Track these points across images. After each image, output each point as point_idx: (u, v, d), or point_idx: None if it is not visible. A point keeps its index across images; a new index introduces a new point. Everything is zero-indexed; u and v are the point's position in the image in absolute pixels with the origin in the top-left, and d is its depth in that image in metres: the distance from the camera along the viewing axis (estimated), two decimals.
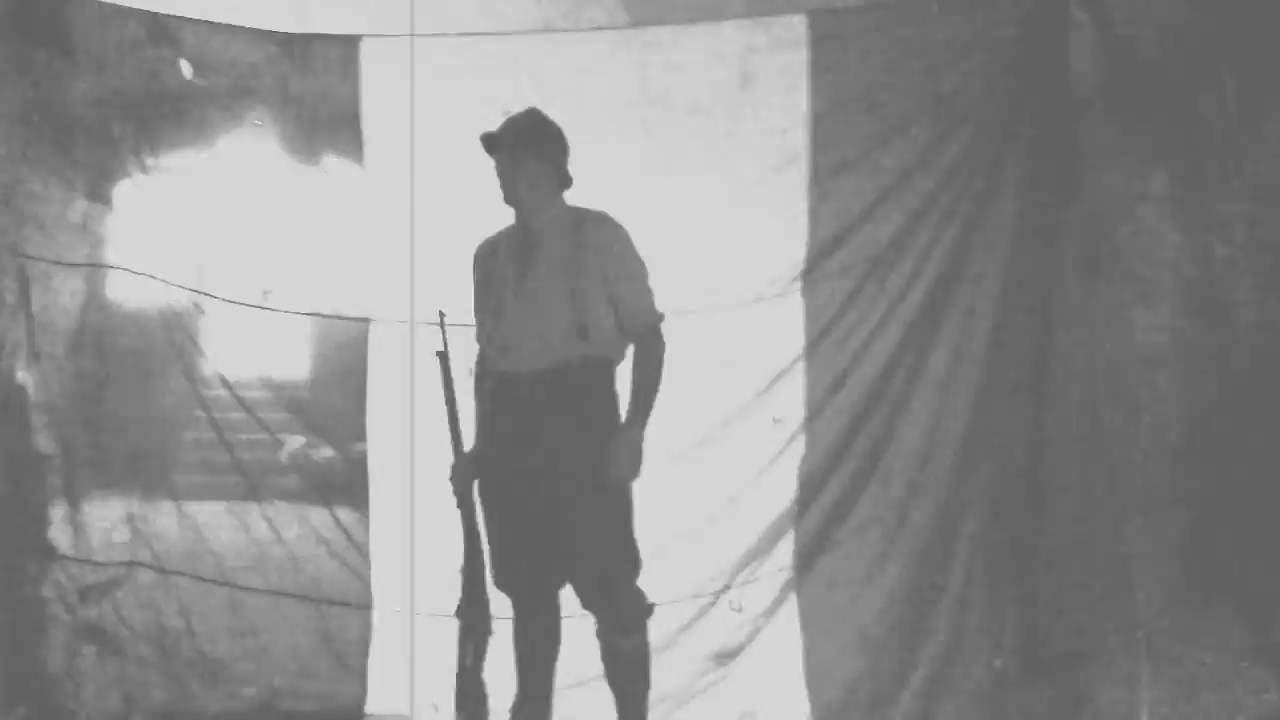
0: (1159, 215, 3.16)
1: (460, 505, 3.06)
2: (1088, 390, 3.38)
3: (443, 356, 3.02)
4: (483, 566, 3.06)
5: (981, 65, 3.44)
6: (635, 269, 3.04)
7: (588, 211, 3.08)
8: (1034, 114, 3.42)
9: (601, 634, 3.06)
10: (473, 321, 3.16)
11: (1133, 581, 3.25)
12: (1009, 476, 3.49)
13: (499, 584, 3.09)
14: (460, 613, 3.04)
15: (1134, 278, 3.25)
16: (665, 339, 3.05)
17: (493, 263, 3.12)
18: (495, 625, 3.07)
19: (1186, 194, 3.06)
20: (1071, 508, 3.42)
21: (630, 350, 3.08)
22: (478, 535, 3.06)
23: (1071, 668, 3.41)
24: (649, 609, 3.05)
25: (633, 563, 3.02)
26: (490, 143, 3.04)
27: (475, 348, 3.16)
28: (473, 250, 3.19)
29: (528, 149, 3.02)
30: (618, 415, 3.02)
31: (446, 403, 3.04)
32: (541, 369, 2.97)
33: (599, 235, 3.02)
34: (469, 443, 3.11)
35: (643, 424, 2.97)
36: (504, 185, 3.05)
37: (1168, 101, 3.17)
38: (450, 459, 3.08)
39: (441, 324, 3.01)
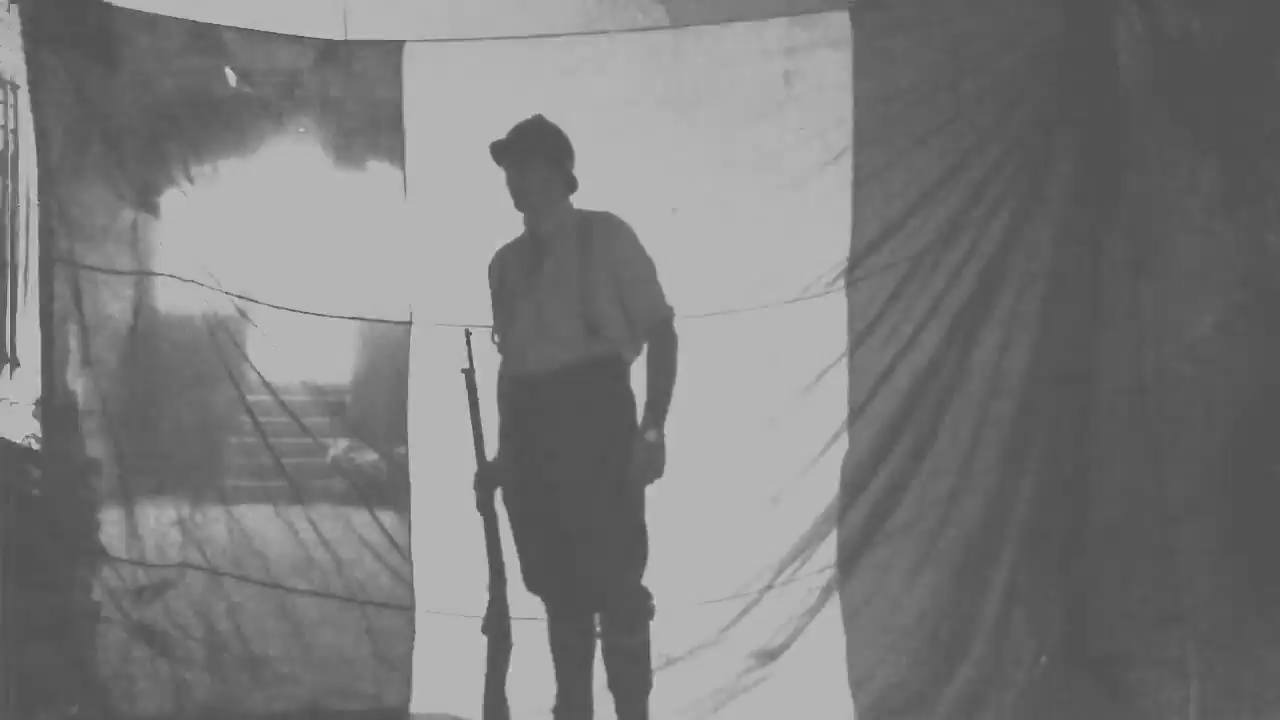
0: (1208, 207, 3.12)
1: (482, 514, 3.09)
2: (1135, 386, 3.35)
3: (468, 374, 3.06)
4: (503, 577, 3.08)
5: (1026, 58, 3.41)
6: (641, 266, 3.06)
7: (594, 213, 3.11)
8: (1080, 106, 3.39)
9: (604, 633, 3.08)
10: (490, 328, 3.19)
11: (1181, 576, 3.22)
12: (1055, 474, 3.46)
13: (529, 586, 3.12)
14: (485, 626, 3.07)
15: (1182, 271, 3.21)
16: (677, 335, 3.06)
17: (505, 270, 3.18)
18: (522, 633, 3.09)
19: (1237, 185, 3.02)
20: (1118, 503, 3.39)
21: (645, 349, 3.09)
22: (499, 546, 3.08)
23: (1119, 664, 3.38)
24: (651, 609, 3.06)
25: (638, 561, 3.04)
26: (498, 151, 3.09)
27: (498, 357, 3.19)
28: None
29: (535, 155, 3.06)
30: (633, 412, 3.04)
31: (471, 417, 3.07)
32: (554, 369, 3.00)
33: (604, 235, 3.05)
34: (492, 454, 3.14)
35: (660, 423, 2.98)
36: (514, 192, 3.09)
37: (1217, 90, 3.13)
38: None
39: (468, 341, 3.05)
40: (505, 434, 3.15)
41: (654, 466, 2.98)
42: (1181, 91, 3.21)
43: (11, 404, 3.52)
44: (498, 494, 3.13)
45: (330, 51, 3.64)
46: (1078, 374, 3.45)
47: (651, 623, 3.06)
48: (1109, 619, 3.43)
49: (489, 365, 3.16)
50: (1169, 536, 3.25)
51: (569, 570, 3.05)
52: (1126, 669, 3.37)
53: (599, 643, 3.10)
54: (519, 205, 3.10)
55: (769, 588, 3.54)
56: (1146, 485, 3.31)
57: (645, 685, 3.09)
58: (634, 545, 3.04)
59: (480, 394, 3.09)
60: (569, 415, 3.00)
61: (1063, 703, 3.42)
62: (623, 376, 3.07)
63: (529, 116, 3.12)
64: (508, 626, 3.07)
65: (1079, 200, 3.42)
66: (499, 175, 3.15)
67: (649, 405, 3.00)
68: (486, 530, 3.08)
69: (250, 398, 3.71)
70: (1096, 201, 3.41)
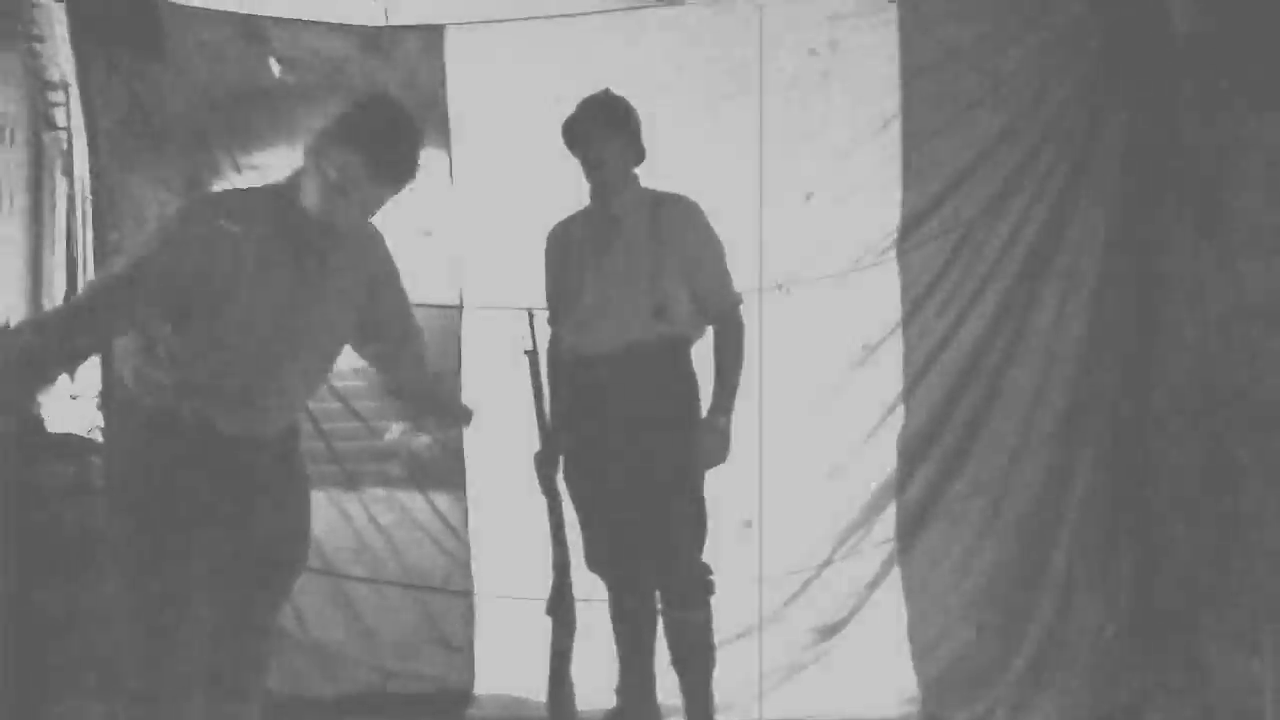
0: (1268, 163, 3.04)
1: (546, 494, 3.08)
2: (1198, 348, 3.28)
3: (532, 355, 3.03)
4: (567, 558, 3.05)
5: (1077, 19, 3.34)
6: (713, 251, 3.05)
7: (666, 194, 3.08)
8: (1134, 66, 3.32)
9: (666, 610, 3.07)
10: (545, 307, 3.17)
11: (1249, 543, 3.15)
12: (1116, 440, 3.41)
13: (590, 565, 3.11)
14: (550, 607, 3.05)
15: (1243, 230, 3.13)
16: (744, 322, 3.06)
17: (569, 245, 3.14)
18: (584, 614, 3.05)
19: None
20: (1183, 469, 3.33)
21: (710, 331, 3.09)
22: (562, 527, 3.06)
23: (1187, 633, 3.33)
24: (712, 585, 3.05)
25: (698, 537, 3.04)
26: (570, 127, 3.06)
27: (548, 331, 3.17)
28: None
29: (606, 129, 3.03)
30: (696, 394, 3.03)
31: (534, 398, 3.05)
32: (619, 349, 2.99)
33: (677, 217, 3.04)
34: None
35: (728, 409, 2.99)
36: (588, 168, 3.05)
37: (1275, 43, 3.05)
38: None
39: (530, 322, 3.02)
40: (567, 413, 3.12)
41: (719, 453, 2.99)
42: (1236, 46, 3.12)
43: (74, 397, 3.56)
44: (559, 474, 3.12)
45: (373, 39, 3.64)
46: (1138, 337, 3.39)
47: (712, 599, 3.05)
48: (1177, 587, 3.37)
49: (544, 345, 3.15)
50: (1240, 510, 3.18)
51: (632, 548, 3.04)
52: (1196, 638, 3.30)
53: (660, 620, 3.09)
54: (592, 181, 3.07)
55: (829, 562, 3.53)
56: (1212, 448, 3.24)
57: (709, 661, 3.08)
58: (695, 522, 3.03)
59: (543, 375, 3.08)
60: (633, 395, 2.98)
61: (1130, 675, 3.38)
62: (687, 358, 3.06)
63: (598, 91, 3.06)
64: (572, 606, 3.05)
65: (1135, 162, 3.35)
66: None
67: (717, 391, 3.00)
68: (550, 511, 3.06)
69: None
70: (1153, 161, 3.34)
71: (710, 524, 3.05)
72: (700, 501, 3.04)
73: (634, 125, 3.07)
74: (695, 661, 3.07)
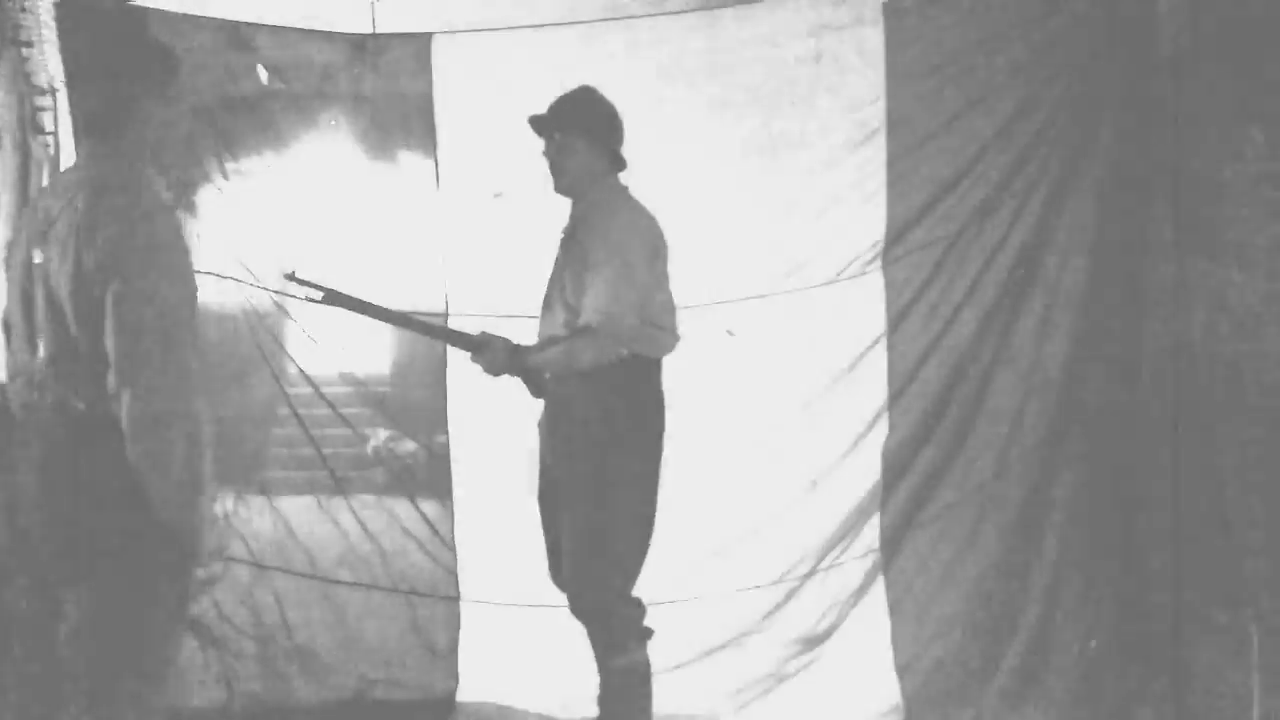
0: (1254, 177, 3.04)
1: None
2: (1183, 358, 3.28)
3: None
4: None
5: (1063, 29, 3.33)
6: (603, 257, 2.77)
7: (629, 202, 2.91)
8: (1120, 77, 3.32)
9: (593, 649, 2.86)
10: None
11: (1240, 557, 3.14)
12: (1101, 452, 3.40)
13: (553, 581, 3.04)
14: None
15: (1228, 241, 3.13)
16: (597, 345, 2.76)
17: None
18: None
19: None
20: (1168, 478, 3.32)
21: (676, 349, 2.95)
22: None
23: (1174, 645, 3.32)
24: (647, 630, 2.86)
25: (623, 569, 2.83)
26: (539, 124, 2.94)
27: None
28: (553, 241, 3.15)
29: (576, 129, 2.89)
30: (622, 413, 2.83)
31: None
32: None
33: (598, 223, 2.84)
34: None
35: (521, 358, 2.82)
36: (552, 169, 2.93)
37: (1261, 56, 3.04)
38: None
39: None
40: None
41: (490, 364, 2.83)
42: (1224, 57, 3.12)
43: None
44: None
45: (360, 46, 3.65)
46: (1123, 348, 3.39)
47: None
48: (1163, 598, 3.36)
49: None
50: (1223, 508, 3.18)
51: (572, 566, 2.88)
52: (1183, 649, 3.30)
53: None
54: (556, 185, 2.94)
55: (812, 573, 3.52)
56: (1198, 455, 3.24)
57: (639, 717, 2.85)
58: (625, 550, 2.83)
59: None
60: (560, 410, 2.91)
61: (1116, 687, 3.37)
62: (613, 372, 2.80)
63: (573, 88, 2.96)
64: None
65: (1121, 173, 3.35)
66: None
67: (538, 345, 2.86)
68: None
69: (290, 390, 3.75)
70: (1139, 174, 3.34)
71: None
72: (629, 526, 2.83)
73: (603, 127, 2.90)
74: (616, 713, 2.84)
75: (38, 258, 2.11)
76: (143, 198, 2.14)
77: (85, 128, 2.21)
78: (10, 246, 2.29)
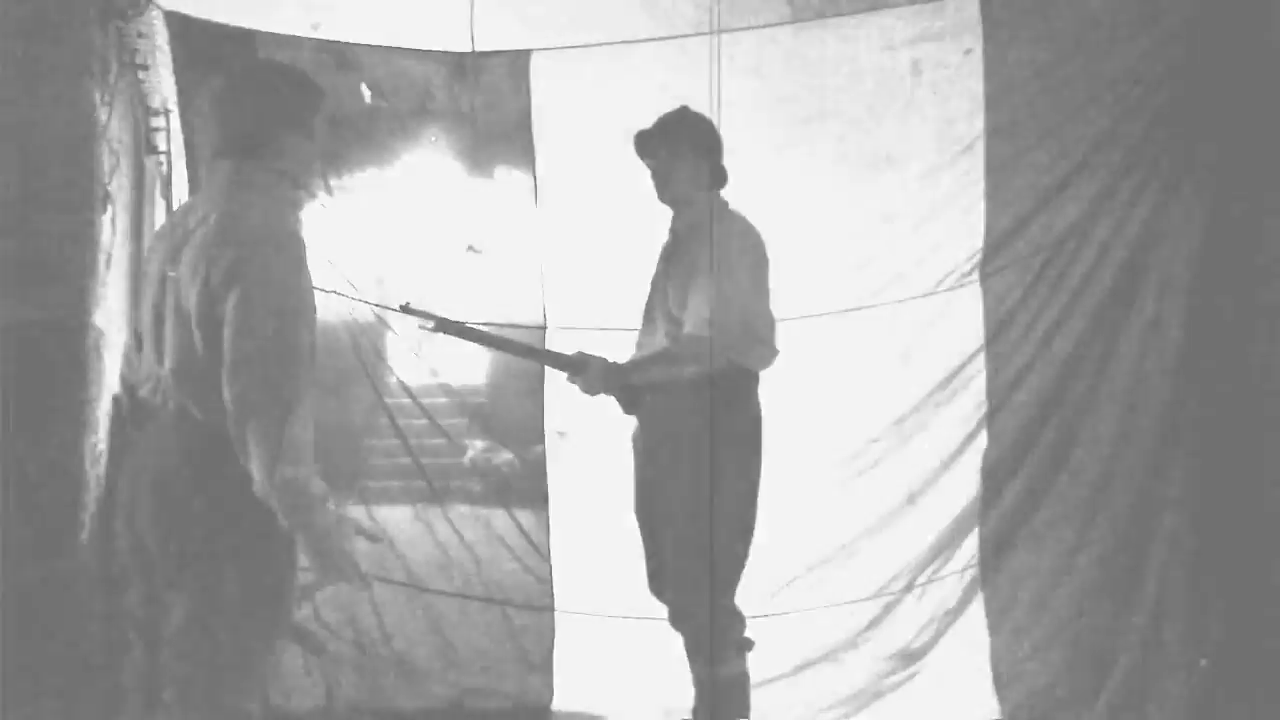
0: None
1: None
2: None
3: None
4: None
5: (1166, 37, 3.26)
6: (713, 270, 2.86)
7: (731, 215, 2.99)
8: (1226, 86, 3.24)
9: (689, 657, 2.91)
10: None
11: None
12: (1209, 468, 3.31)
13: (653, 592, 3.08)
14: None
15: None
16: (694, 357, 2.85)
17: (658, 263, 3.14)
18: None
19: None
20: (1278, 495, 3.22)
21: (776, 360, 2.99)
22: None
23: None
24: (747, 641, 2.90)
25: (724, 580, 2.89)
26: (643, 142, 3.04)
27: None
28: (650, 255, 3.20)
29: (680, 146, 3.00)
30: (723, 426, 2.89)
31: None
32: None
33: (721, 238, 2.92)
34: None
35: (625, 372, 2.92)
36: (657, 185, 3.04)
37: None
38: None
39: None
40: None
41: (589, 385, 2.92)
42: None
43: None
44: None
45: (459, 64, 3.71)
46: (1231, 364, 3.30)
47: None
48: (1274, 621, 3.25)
49: None
50: None
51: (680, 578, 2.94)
52: None
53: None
54: (661, 198, 3.05)
55: (910, 588, 3.49)
56: None
57: None
58: (720, 562, 2.89)
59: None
60: (652, 422, 2.96)
61: (1227, 708, 3.28)
62: (713, 385, 2.89)
63: (674, 108, 3.05)
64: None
65: (1228, 183, 3.26)
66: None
67: (638, 358, 2.96)
68: None
69: (389, 401, 3.82)
70: (1248, 184, 3.25)
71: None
72: (735, 542, 2.90)
73: (706, 144, 3.02)
74: None
75: (171, 272, 2.20)
76: (272, 222, 2.21)
77: (222, 151, 2.28)
78: (146, 261, 2.39)
